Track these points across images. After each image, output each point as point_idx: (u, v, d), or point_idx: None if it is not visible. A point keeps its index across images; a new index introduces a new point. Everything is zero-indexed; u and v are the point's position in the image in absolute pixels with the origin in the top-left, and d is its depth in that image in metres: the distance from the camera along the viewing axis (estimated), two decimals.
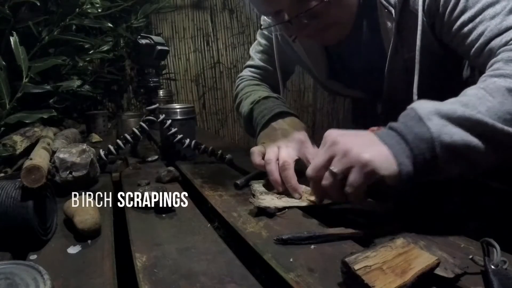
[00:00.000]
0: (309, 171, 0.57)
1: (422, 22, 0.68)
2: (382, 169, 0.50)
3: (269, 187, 0.72)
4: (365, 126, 1.09)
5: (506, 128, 0.50)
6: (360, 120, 1.12)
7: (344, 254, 0.41)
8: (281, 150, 0.73)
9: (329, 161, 0.54)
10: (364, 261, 0.39)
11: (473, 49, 0.63)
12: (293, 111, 0.87)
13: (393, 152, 0.51)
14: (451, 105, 0.52)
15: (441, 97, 0.56)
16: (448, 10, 0.65)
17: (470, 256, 0.44)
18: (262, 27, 0.95)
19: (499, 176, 0.84)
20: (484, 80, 0.56)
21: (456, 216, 0.79)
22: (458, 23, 0.64)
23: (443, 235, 0.55)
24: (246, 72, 1.09)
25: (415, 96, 0.71)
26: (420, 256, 0.42)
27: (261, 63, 1.05)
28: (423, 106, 0.53)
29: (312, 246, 0.52)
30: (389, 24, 0.72)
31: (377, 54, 0.80)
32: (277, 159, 0.72)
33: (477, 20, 0.61)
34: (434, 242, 0.51)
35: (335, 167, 0.53)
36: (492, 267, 0.41)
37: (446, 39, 0.71)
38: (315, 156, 0.57)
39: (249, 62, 1.10)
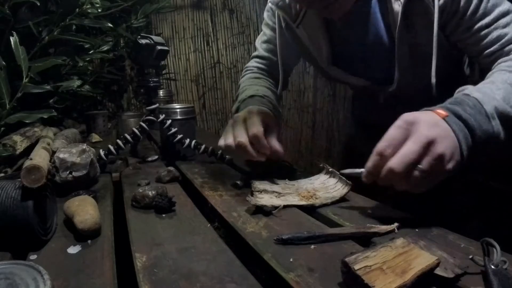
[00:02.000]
0: (398, 164, 0.53)
1: (437, 11, 0.72)
2: (454, 171, 0.56)
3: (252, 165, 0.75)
4: (364, 117, 1.09)
5: None
6: (360, 110, 1.13)
7: (344, 254, 0.41)
8: (237, 131, 0.75)
9: (420, 157, 0.53)
10: (364, 261, 0.39)
11: (487, 51, 0.73)
12: (286, 110, 0.90)
13: (462, 148, 0.56)
14: (502, 102, 0.61)
15: (443, 89, 0.67)
16: (468, 12, 0.72)
17: (470, 256, 0.44)
18: (270, 1, 0.95)
19: (499, 176, 0.84)
20: (508, 71, 0.66)
21: (456, 216, 0.79)
22: (477, 26, 0.72)
23: (443, 235, 0.55)
24: (252, 63, 1.11)
25: (433, 79, 0.74)
26: (420, 256, 0.42)
27: (265, 54, 1.06)
28: (487, 102, 0.59)
29: (312, 246, 0.52)
30: (396, 7, 0.74)
31: (383, 39, 0.80)
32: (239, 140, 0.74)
33: (493, 26, 0.71)
34: (434, 242, 0.51)
35: (424, 166, 0.53)
36: (492, 267, 0.41)
37: (457, 37, 0.75)
38: (403, 149, 0.54)
39: (254, 53, 1.11)
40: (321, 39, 0.88)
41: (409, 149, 0.53)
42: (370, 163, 0.56)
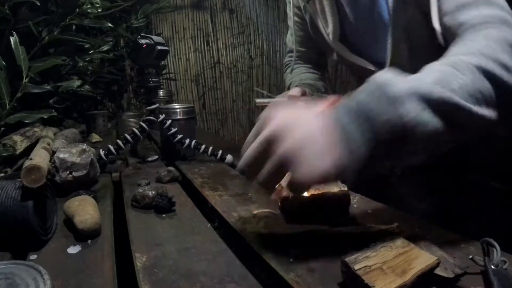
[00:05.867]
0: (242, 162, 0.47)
1: None
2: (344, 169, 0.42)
3: None
4: None
5: (479, 110, 0.45)
6: None
7: (344, 254, 0.41)
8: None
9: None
10: (364, 261, 0.39)
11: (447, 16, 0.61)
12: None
13: (351, 142, 0.42)
14: (427, 84, 0.44)
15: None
16: None
17: (470, 256, 0.44)
18: None
19: (499, 176, 0.84)
20: (454, 53, 0.51)
21: (456, 216, 0.79)
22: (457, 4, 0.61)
23: (443, 235, 0.55)
24: (287, 58, 1.18)
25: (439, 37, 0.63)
26: (420, 256, 0.42)
27: (292, 46, 1.10)
28: (398, 84, 0.44)
29: (312, 246, 0.52)
30: None
31: (385, 19, 0.80)
32: None
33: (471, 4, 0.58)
34: (434, 242, 0.51)
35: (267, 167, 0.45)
36: (492, 267, 0.41)
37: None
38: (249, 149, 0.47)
39: (287, 48, 1.17)
40: (329, 16, 0.89)
41: (251, 148, 0.46)
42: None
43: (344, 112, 0.44)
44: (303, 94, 0.89)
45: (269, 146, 0.43)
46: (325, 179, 0.43)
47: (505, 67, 0.48)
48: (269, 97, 0.71)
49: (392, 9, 0.75)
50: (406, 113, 0.42)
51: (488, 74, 0.47)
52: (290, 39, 1.12)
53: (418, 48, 0.78)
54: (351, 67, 1.05)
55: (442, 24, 0.64)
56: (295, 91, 0.89)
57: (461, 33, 0.57)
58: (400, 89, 0.43)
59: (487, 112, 0.46)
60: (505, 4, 0.58)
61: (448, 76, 0.46)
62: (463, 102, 0.44)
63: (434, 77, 0.46)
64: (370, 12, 0.83)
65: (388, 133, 0.42)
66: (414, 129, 0.42)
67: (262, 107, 0.63)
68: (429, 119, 0.43)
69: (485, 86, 0.46)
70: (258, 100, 0.69)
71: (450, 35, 0.61)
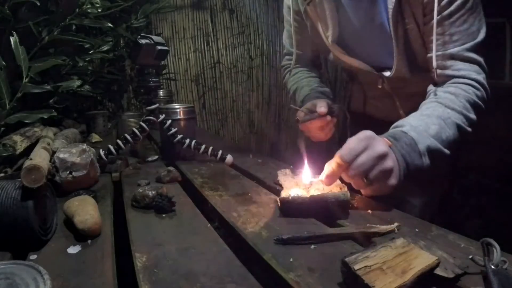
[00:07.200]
0: (353, 171, 0.64)
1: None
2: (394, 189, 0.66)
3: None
4: (359, 107, 1.12)
5: (447, 151, 0.71)
6: (357, 99, 1.15)
7: (344, 254, 0.41)
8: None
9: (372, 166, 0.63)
10: (364, 261, 0.39)
11: (437, 53, 0.77)
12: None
13: (401, 173, 0.66)
14: (434, 140, 0.70)
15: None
16: (444, 14, 0.74)
17: (470, 256, 0.44)
18: None
19: (499, 176, 0.84)
20: (444, 105, 0.75)
21: (456, 216, 0.79)
22: (441, 29, 0.76)
23: (443, 235, 0.55)
24: (285, 61, 1.20)
25: (434, 63, 0.77)
26: (420, 256, 0.42)
27: (290, 49, 1.12)
28: (422, 141, 0.69)
29: (312, 246, 0.52)
30: None
31: (385, 24, 0.83)
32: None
33: (454, 38, 0.76)
34: (434, 242, 0.51)
35: (372, 175, 0.64)
36: (492, 267, 0.41)
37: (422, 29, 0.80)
38: (361, 158, 0.63)
39: (284, 51, 1.19)
40: (329, 19, 0.90)
41: (365, 159, 0.63)
42: (332, 165, 0.65)
43: (399, 154, 0.67)
44: (330, 108, 0.89)
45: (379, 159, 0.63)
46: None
47: (469, 122, 0.75)
48: (307, 113, 0.86)
49: (392, 20, 0.79)
50: (424, 161, 0.68)
51: (460, 128, 0.73)
52: (288, 42, 1.12)
53: (415, 55, 0.80)
54: (345, 65, 1.07)
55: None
56: (322, 106, 0.89)
57: (446, 76, 0.78)
58: (424, 147, 0.68)
59: (448, 151, 0.71)
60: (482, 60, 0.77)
61: (440, 129, 0.72)
62: (445, 150, 0.71)
63: (433, 133, 0.71)
64: (371, 19, 0.84)
65: (414, 168, 0.67)
66: (425, 167, 0.68)
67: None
68: (428, 162, 0.69)
69: (456, 135, 0.73)
70: (301, 119, 0.86)
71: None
